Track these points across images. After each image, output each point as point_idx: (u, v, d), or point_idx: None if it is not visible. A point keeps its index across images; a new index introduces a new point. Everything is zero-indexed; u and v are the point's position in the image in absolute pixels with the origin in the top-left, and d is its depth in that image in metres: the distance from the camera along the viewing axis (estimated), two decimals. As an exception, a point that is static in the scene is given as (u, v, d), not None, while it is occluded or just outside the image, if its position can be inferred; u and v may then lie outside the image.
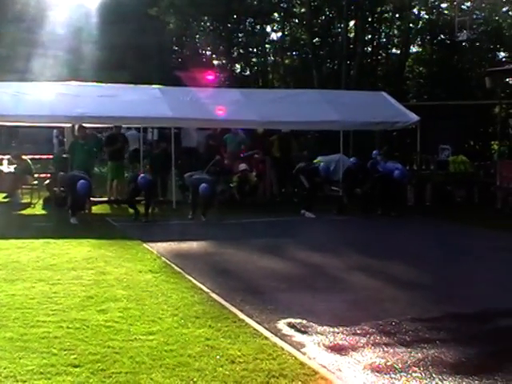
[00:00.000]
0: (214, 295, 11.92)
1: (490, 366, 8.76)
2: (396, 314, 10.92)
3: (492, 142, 36.43)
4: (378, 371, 8.49)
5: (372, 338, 9.82)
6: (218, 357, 8.61)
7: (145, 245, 16.77)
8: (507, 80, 35.76)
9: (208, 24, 46.48)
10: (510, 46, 40.66)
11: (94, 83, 26.97)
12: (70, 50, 39.64)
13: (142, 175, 21.02)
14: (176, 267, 14.26)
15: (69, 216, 20.06)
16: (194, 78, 34.28)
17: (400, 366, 8.68)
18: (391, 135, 30.30)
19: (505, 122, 29.69)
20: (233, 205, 23.26)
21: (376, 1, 42.98)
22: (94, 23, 41.33)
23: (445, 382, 8.16)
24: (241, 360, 8.54)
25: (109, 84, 26.83)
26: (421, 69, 46.94)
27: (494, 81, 26.24)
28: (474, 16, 43.55)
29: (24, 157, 25.93)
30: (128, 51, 39.41)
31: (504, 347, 9.70)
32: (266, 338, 9.51)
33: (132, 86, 27.03)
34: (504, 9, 42.37)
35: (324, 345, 9.48)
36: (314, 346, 9.39)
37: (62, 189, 23.53)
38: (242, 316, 10.61)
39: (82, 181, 19.78)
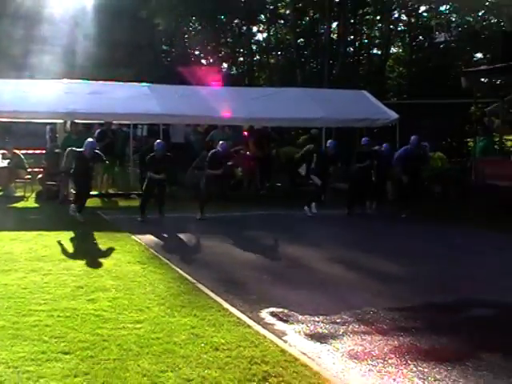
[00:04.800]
0: (199, 285, 11.96)
1: (462, 353, 8.85)
2: (374, 304, 10.98)
3: (468, 140, 36.55)
4: (355, 358, 8.55)
5: (350, 326, 9.88)
6: (202, 344, 8.66)
7: (133, 237, 16.77)
8: (482, 80, 35.80)
9: (196, 24, 46.50)
10: (485, 47, 40.75)
11: (85, 81, 26.89)
12: (65, 47, 39.52)
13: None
14: (163, 259, 14.30)
15: (71, 211, 19.91)
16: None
17: (377, 353, 8.76)
18: (372, 132, 30.29)
19: (480, 120, 29.72)
20: (219, 199, 23.23)
21: (358, 3, 43.05)
22: (88, 21, 41.18)
23: (419, 368, 8.24)
24: (224, 347, 8.58)
25: (99, 81, 26.81)
26: (401, 69, 47.01)
27: (469, 81, 26.30)
28: (452, 19, 43.73)
29: (17, 151, 25.89)
30: (120, 49, 39.36)
31: (476, 335, 9.77)
32: (249, 327, 9.57)
33: (122, 83, 27.01)
34: (480, 13, 42.45)
35: (304, 333, 9.54)
36: (294, 334, 9.45)
37: (53, 183, 23.55)
38: (226, 305, 10.66)
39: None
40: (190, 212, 20.66)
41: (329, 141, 22.86)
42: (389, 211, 22.42)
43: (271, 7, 45.31)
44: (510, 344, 9.36)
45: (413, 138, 21.80)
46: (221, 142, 21.24)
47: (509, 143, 34.12)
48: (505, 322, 10.71)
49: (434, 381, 7.86)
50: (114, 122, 25.99)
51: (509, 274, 13.57)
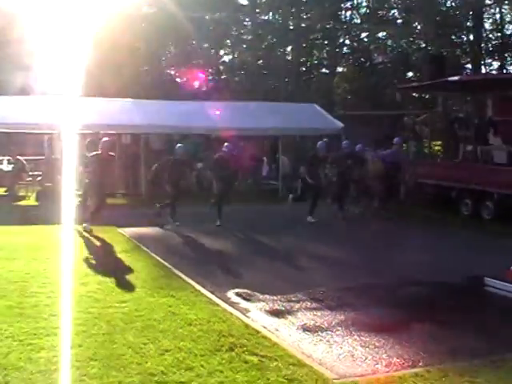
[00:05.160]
0: (175, 270, 11.96)
1: (398, 325, 8.95)
2: (324, 284, 11.06)
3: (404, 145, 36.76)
4: (308, 330, 8.64)
5: (304, 304, 9.95)
6: (178, 320, 8.70)
7: (119, 230, 16.67)
8: (414, 95, 36.08)
9: (172, 48, 46.38)
10: (415, 67, 41.06)
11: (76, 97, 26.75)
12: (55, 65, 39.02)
13: None
14: (144, 248, 14.25)
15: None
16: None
17: (326, 325, 8.85)
18: (321, 140, 30.28)
19: (413, 128, 29.93)
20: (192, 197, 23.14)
21: (309, 30, 43.14)
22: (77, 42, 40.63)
23: (361, 337, 8.34)
24: (197, 323, 8.60)
25: (89, 97, 26.76)
26: (345, 85, 47.21)
27: (402, 95, 26.55)
28: (388, 43, 44.02)
29: (19, 157, 25.79)
30: (105, 69, 39.05)
31: (410, 310, 9.89)
32: (218, 305, 9.60)
33: (108, 98, 26.93)
34: (411, 38, 42.77)
35: (265, 310, 9.61)
36: (256, 311, 9.51)
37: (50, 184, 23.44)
38: (198, 287, 10.68)
39: None
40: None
41: (319, 142, 20.75)
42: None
43: (235, 34, 45.31)
44: (437, 316, 9.46)
45: (358, 146, 21.65)
46: (226, 144, 19.32)
47: (436, 147, 34.38)
48: (433, 298, 10.84)
49: (374, 348, 7.95)
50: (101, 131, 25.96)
51: (438, 258, 13.67)
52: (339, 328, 8.71)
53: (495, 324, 9.09)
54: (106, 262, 12.54)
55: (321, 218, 18.62)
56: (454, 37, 40.04)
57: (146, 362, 7.14)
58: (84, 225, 16.48)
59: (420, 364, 7.44)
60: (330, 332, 8.56)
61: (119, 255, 13.38)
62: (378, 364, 7.42)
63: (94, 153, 17.12)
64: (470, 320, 9.31)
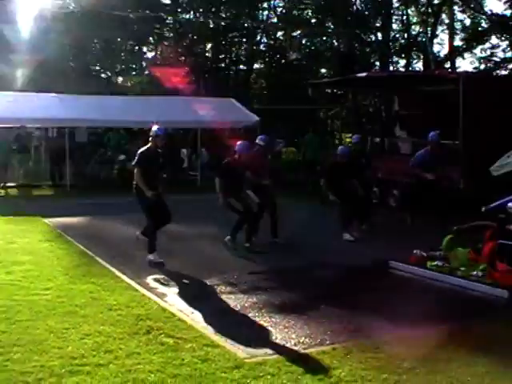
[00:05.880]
0: (97, 258, 11.93)
1: (306, 306, 9.10)
2: (237, 269, 11.13)
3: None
4: (222, 313, 8.74)
5: (218, 288, 10.02)
6: (98, 306, 8.71)
7: (44, 220, 16.44)
8: (327, 91, 36.43)
9: (97, 45, 45.81)
10: (328, 64, 41.48)
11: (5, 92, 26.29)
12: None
13: None
14: (68, 237, 14.12)
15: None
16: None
17: (239, 308, 8.94)
18: (240, 132, 30.36)
19: (324, 122, 30.39)
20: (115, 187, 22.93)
21: (228, 28, 43.12)
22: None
23: (272, 318, 8.47)
24: (116, 307, 8.62)
25: (17, 92, 26.45)
26: (262, 81, 47.35)
27: (315, 91, 26.84)
28: (303, 41, 44.30)
29: None
30: (34, 64, 38.39)
31: (319, 292, 10.06)
32: (137, 290, 9.63)
33: (34, 93, 26.53)
34: (324, 38, 43.24)
35: (181, 294, 9.64)
36: (173, 296, 9.55)
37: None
38: (118, 274, 10.69)
39: None
40: (96, 198, 20.45)
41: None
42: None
43: (158, 31, 45.01)
44: (344, 297, 9.66)
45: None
46: (260, 137, 15.16)
47: (348, 140, 34.87)
48: (341, 281, 11.06)
49: (284, 328, 8.06)
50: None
51: (348, 243, 13.87)
52: (251, 310, 8.80)
53: (397, 303, 9.31)
54: (30, 251, 12.34)
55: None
56: (363, 36, 40.45)
57: (68, 347, 7.13)
58: None
59: (327, 342, 7.57)
60: (242, 314, 8.66)
61: (44, 244, 13.21)
62: (287, 343, 7.53)
63: None
64: (374, 300, 9.49)
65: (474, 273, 10.65)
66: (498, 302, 9.54)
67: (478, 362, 6.95)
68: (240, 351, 7.17)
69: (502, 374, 6.63)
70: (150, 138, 11.78)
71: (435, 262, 11.40)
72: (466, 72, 29.22)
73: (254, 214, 13.32)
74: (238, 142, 13.71)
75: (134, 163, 12.03)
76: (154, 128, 11.89)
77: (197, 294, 9.68)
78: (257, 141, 14.20)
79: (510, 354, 7.17)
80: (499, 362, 6.95)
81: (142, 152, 11.84)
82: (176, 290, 9.91)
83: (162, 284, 10.21)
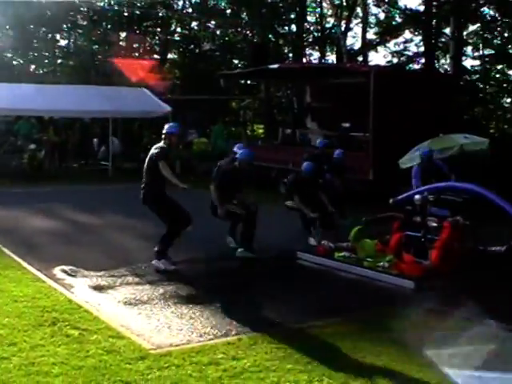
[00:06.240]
0: (3, 249, 11.69)
1: (213, 296, 9.17)
2: (146, 260, 11.03)
3: (233, 129, 37.17)
4: (129, 304, 8.69)
5: (126, 279, 9.97)
6: (4, 298, 8.59)
7: None
8: (241, 81, 36.53)
9: (10, 32, 44.85)
10: (241, 55, 41.57)
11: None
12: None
13: None
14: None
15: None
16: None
17: (146, 299, 8.92)
18: (152, 122, 30.14)
19: (237, 112, 30.49)
20: (24, 176, 22.55)
21: (142, 17, 42.77)
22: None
23: (178, 309, 8.52)
24: (22, 299, 8.52)
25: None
26: (176, 71, 47.16)
27: (227, 81, 26.89)
28: (217, 32, 44.31)
29: None
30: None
31: (227, 283, 10.17)
32: (43, 282, 9.53)
33: None
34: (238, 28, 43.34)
35: (88, 285, 9.56)
36: (80, 287, 9.44)
37: None
38: (25, 265, 10.53)
39: None
40: (4, 187, 19.94)
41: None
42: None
43: (72, 19, 44.33)
44: (251, 288, 9.83)
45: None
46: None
47: (260, 131, 35.11)
48: (249, 271, 11.17)
49: (190, 319, 8.10)
50: None
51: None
52: (158, 301, 8.81)
53: (304, 293, 9.50)
54: None
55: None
56: (278, 28, 40.65)
57: (-29, 340, 7.04)
58: None
59: (232, 333, 7.63)
60: (149, 305, 8.63)
61: None
62: (192, 334, 7.56)
63: None
64: (281, 291, 9.63)
65: (381, 264, 10.88)
66: (405, 293, 9.74)
67: (382, 351, 7.12)
68: (145, 342, 7.18)
69: (405, 363, 6.81)
70: (164, 136, 11.02)
71: (342, 253, 11.61)
72: (377, 66, 29.75)
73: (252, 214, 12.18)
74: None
75: (158, 158, 10.71)
76: (169, 126, 11.23)
77: (104, 285, 9.59)
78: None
79: (415, 343, 7.35)
80: (404, 352, 7.12)
81: (162, 147, 10.85)
82: (83, 281, 9.79)
83: (69, 275, 10.06)
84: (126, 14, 42.67)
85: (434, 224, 11.30)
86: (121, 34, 44.88)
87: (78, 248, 11.94)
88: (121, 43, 44.33)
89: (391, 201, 11.59)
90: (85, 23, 44.79)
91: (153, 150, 10.82)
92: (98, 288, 9.42)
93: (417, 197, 11.53)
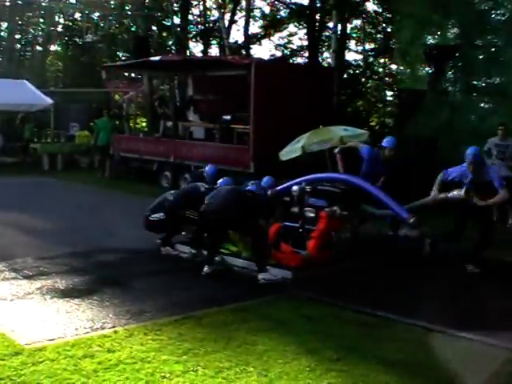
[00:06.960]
0: None
1: (91, 290, 9.10)
2: (22, 255, 10.88)
3: (117, 122, 36.71)
4: (3, 299, 8.53)
5: (2, 274, 9.78)
6: None
7: None
8: (125, 74, 36.11)
9: None
10: (125, 46, 41.08)
11: None
12: None
13: None
14: None
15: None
16: None
17: (22, 294, 8.79)
18: (36, 115, 29.49)
19: (120, 105, 30.15)
20: None
21: (25, 7, 41.76)
22: None
23: (55, 303, 8.44)
24: None
25: None
26: (59, 63, 46.31)
27: (109, 73, 26.57)
28: (101, 24, 43.66)
29: None
30: None
31: (103, 276, 10.03)
32: None
33: None
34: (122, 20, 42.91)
35: (-38, 282, 9.35)
36: (-47, 284, 9.24)
37: None
38: None
39: None
40: None
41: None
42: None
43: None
44: (127, 280, 9.78)
45: None
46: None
47: (143, 124, 34.93)
48: (124, 264, 10.97)
49: (66, 313, 8.04)
50: None
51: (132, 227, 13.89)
52: (34, 296, 8.69)
53: (179, 285, 9.57)
54: None
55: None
56: (161, 19, 40.37)
57: None
58: None
59: (108, 326, 7.62)
60: (24, 300, 8.52)
61: None
62: (68, 328, 7.50)
63: None
64: (156, 283, 9.71)
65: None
66: (283, 283, 9.84)
67: (257, 341, 7.24)
68: (20, 338, 7.09)
69: (280, 352, 6.94)
70: None
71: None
72: (259, 59, 29.97)
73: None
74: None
75: None
76: None
77: (-22, 281, 9.41)
78: None
79: (290, 332, 7.54)
80: (279, 341, 7.27)
81: None
82: (-43, 277, 9.58)
83: None
84: (7, 3, 41.53)
85: (312, 214, 11.46)
86: (2, 24, 43.73)
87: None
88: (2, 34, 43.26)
89: (269, 192, 11.73)
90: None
91: None
92: (-29, 285, 9.22)
93: (294, 188, 11.69)
